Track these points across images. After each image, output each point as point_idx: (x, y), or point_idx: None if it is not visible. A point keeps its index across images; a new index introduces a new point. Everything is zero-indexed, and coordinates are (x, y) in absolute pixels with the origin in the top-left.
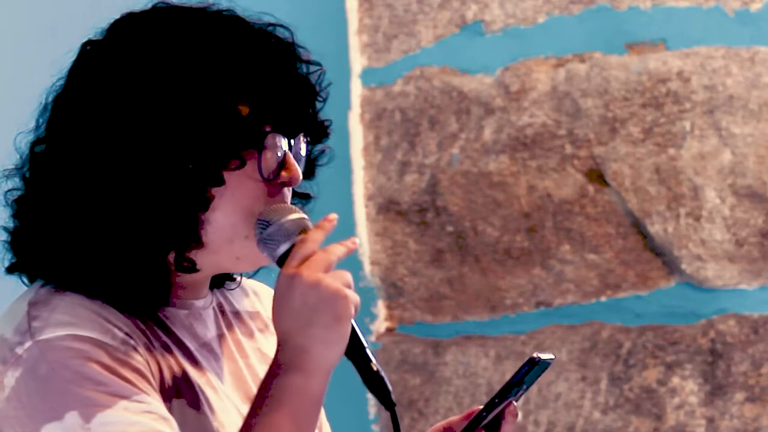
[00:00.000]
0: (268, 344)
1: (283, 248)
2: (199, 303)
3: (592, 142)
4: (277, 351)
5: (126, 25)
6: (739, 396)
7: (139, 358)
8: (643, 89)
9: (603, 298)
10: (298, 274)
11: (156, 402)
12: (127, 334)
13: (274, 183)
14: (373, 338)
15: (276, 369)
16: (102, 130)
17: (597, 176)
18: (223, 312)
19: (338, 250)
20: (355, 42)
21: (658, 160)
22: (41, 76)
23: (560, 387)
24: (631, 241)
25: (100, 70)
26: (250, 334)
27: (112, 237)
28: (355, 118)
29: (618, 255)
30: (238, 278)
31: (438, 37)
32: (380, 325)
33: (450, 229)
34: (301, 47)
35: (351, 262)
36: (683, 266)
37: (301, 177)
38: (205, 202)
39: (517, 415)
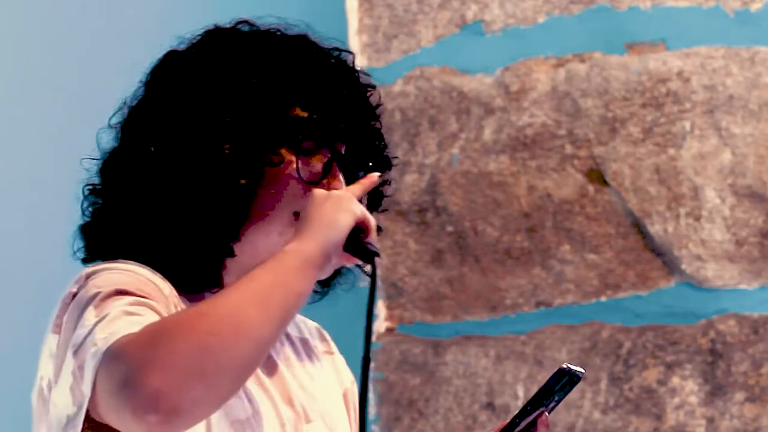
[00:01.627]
0: (313, 368)
1: None
2: None
3: (592, 142)
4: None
5: (210, 41)
6: (739, 396)
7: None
8: (643, 89)
9: (603, 298)
10: (315, 191)
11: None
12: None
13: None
14: (373, 338)
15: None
16: (165, 128)
17: (597, 176)
18: None
19: (353, 187)
20: (355, 42)
21: (658, 160)
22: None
23: None
24: (631, 241)
25: (181, 81)
26: (297, 353)
27: (174, 221)
28: None
29: (618, 255)
30: None
31: (438, 37)
32: (380, 325)
33: (450, 229)
34: (363, 72)
35: None
36: (683, 266)
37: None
38: (247, 193)
39: (548, 425)
